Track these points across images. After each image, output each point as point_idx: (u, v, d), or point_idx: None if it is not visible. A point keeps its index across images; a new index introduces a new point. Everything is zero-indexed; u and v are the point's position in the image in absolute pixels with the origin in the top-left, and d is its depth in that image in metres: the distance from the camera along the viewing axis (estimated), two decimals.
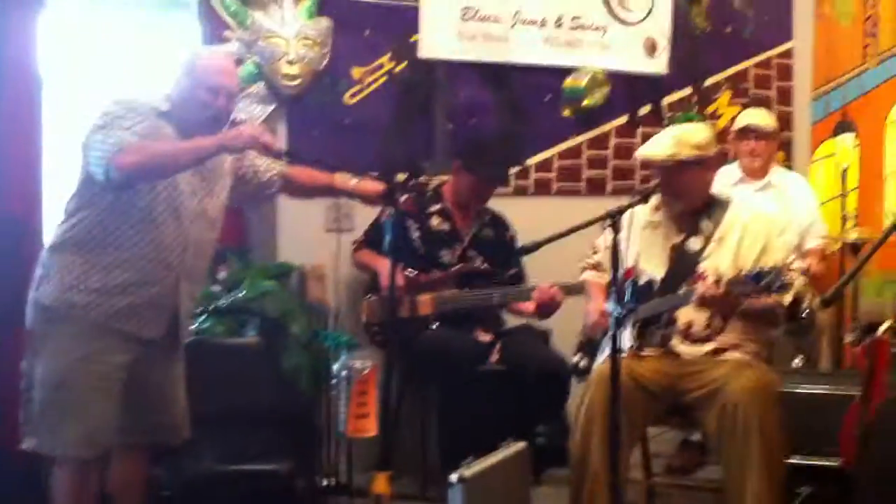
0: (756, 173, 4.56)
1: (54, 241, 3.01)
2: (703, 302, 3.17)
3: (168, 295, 3.03)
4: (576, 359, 3.67)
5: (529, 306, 4.11)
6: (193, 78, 3.02)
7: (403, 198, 4.02)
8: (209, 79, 3.02)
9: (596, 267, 3.67)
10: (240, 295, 3.89)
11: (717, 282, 3.14)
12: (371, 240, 4.12)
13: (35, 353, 2.99)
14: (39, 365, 2.96)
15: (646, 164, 3.42)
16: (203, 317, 3.76)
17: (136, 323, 2.98)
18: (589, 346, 3.64)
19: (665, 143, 3.35)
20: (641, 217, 3.41)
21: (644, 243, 3.43)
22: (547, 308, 4.07)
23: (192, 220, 3.04)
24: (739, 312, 3.25)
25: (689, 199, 3.38)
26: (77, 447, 2.93)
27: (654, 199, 3.44)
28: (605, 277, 3.57)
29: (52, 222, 3.10)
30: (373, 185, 3.28)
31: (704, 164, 3.38)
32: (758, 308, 3.23)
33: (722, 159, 4.22)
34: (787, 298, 3.32)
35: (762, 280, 2.95)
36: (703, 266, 3.33)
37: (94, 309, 2.93)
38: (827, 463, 3.53)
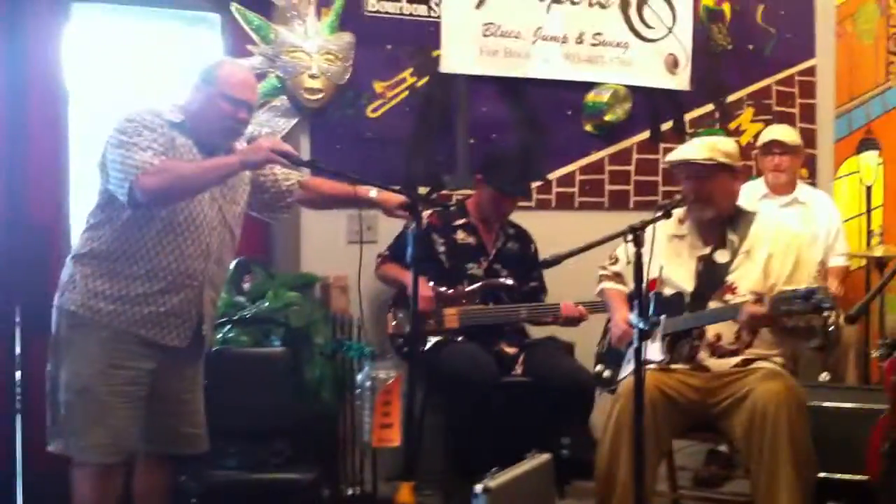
0: (781, 189, 4.56)
1: (77, 250, 3.03)
2: (750, 322, 3.15)
3: (192, 303, 3.04)
4: (598, 369, 3.66)
5: (559, 313, 4.11)
6: (215, 87, 3.02)
7: (428, 212, 4.06)
8: (232, 90, 3.03)
9: (614, 277, 3.66)
10: (264, 305, 3.89)
11: (760, 300, 3.12)
12: (395, 254, 4.12)
13: (59, 357, 3.00)
14: (63, 370, 2.98)
15: (679, 168, 3.39)
16: (227, 327, 3.76)
17: (159, 331, 3.00)
18: (609, 357, 3.63)
19: (699, 148, 3.37)
20: (665, 230, 3.40)
21: (669, 255, 3.42)
22: (572, 321, 4.06)
23: (212, 229, 3.05)
24: (781, 328, 3.21)
25: (719, 206, 3.37)
26: (100, 452, 2.94)
27: (679, 212, 3.44)
28: (626, 287, 3.57)
29: (80, 231, 3.11)
30: (395, 196, 3.29)
31: (734, 173, 3.39)
32: (801, 326, 3.19)
33: (747, 173, 4.22)
34: (832, 318, 3.29)
35: (812, 298, 2.93)
36: (732, 278, 3.32)
37: (118, 316, 2.95)
38: (853, 478, 3.50)
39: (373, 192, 3.30)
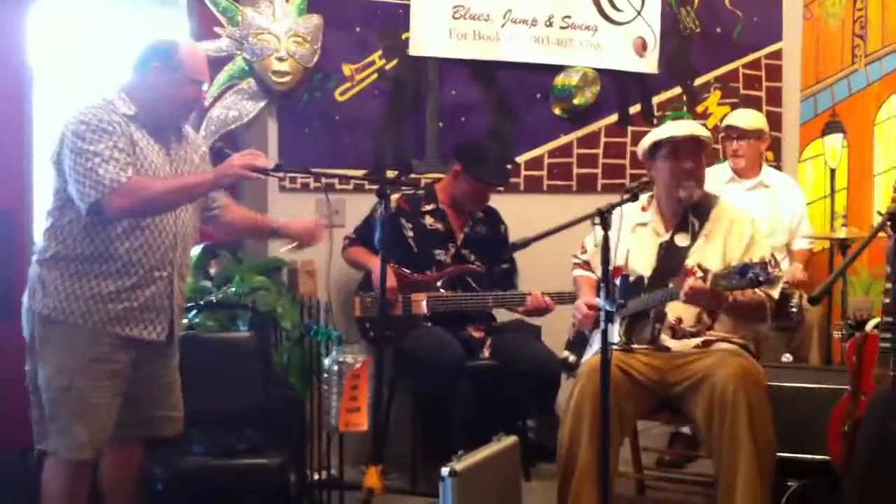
0: (744, 173, 4.59)
1: (42, 254, 2.97)
2: (691, 296, 3.18)
3: (164, 294, 3.02)
4: (565, 354, 3.68)
5: (525, 305, 4.12)
6: (181, 72, 2.97)
7: (397, 196, 4.07)
8: (196, 73, 3.01)
9: (584, 265, 3.69)
10: (231, 290, 3.89)
11: (704, 277, 3.16)
12: (363, 236, 4.12)
13: (37, 358, 2.96)
14: (43, 369, 2.94)
15: (679, 145, 3.39)
16: (194, 311, 3.75)
17: (135, 326, 2.98)
18: (577, 343, 3.66)
19: (695, 127, 3.43)
20: (630, 217, 3.41)
21: (633, 242, 3.44)
22: (538, 312, 4.08)
23: (177, 217, 3.03)
24: (728, 307, 3.27)
25: (701, 188, 3.43)
26: (82, 449, 2.92)
27: (642, 199, 3.46)
28: (595, 275, 3.60)
29: (43, 213, 3.07)
30: (295, 223, 3.28)
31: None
32: (746, 302, 3.25)
33: (712, 156, 4.27)
34: (776, 292, 3.34)
35: (748, 273, 2.97)
36: (690, 262, 3.35)
37: (93, 316, 2.92)
38: (815, 457, 3.55)
39: (280, 221, 3.31)
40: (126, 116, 2.93)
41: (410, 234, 4.17)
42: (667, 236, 3.44)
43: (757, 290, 3.18)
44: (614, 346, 3.28)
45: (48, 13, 4.10)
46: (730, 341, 3.35)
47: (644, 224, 3.48)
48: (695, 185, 3.40)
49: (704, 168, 3.45)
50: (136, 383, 3.03)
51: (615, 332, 3.32)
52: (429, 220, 4.21)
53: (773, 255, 3.12)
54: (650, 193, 3.48)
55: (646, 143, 3.47)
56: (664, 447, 4.45)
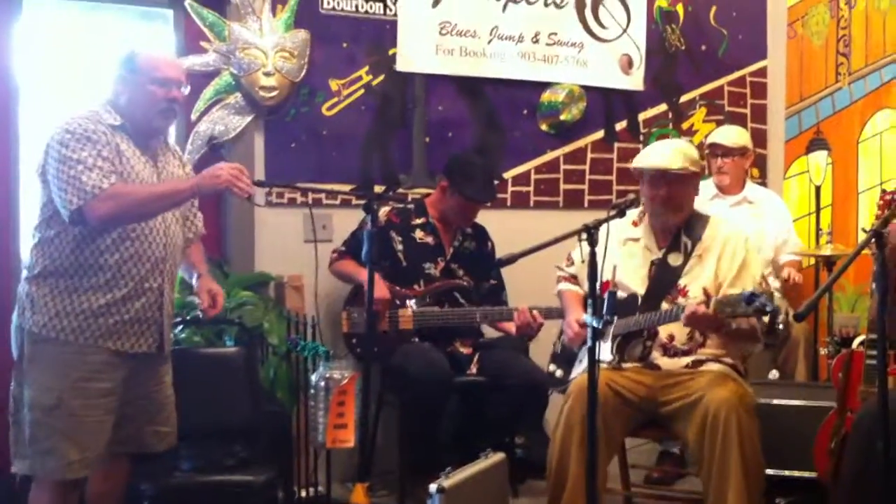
0: (728, 189, 4.61)
1: (31, 271, 2.95)
2: (692, 321, 3.18)
3: (154, 306, 3.01)
4: (551, 368, 3.69)
5: (510, 326, 4.10)
6: (141, 74, 2.98)
7: (387, 209, 4.07)
8: (157, 72, 3.00)
9: (570, 279, 3.69)
10: None
11: (706, 301, 3.16)
12: (351, 249, 4.11)
13: (23, 377, 2.94)
14: (29, 388, 2.91)
15: (650, 174, 3.38)
16: (181, 327, 3.72)
17: (127, 340, 2.96)
18: (562, 357, 3.66)
19: (672, 156, 3.35)
20: (619, 232, 3.42)
21: (623, 258, 3.44)
22: (527, 330, 4.05)
23: (167, 227, 3.02)
24: (725, 331, 3.27)
25: (686, 211, 3.42)
26: (68, 469, 2.89)
27: (633, 215, 3.48)
28: (581, 289, 3.60)
29: (30, 230, 3.05)
30: (204, 284, 3.21)
31: (697, 179, 3.43)
32: (744, 328, 3.26)
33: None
34: (767, 319, 3.36)
35: (754, 302, 2.98)
36: (683, 281, 3.36)
37: (84, 332, 2.90)
38: (802, 474, 3.56)
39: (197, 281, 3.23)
40: (111, 127, 2.94)
41: (400, 247, 4.16)
42: (659, 254, 3.44)
43: None
44: (604, 365, 3.29)
45: (33, 27, 4.09)
46: (720, 360, 3.35)
47: (636, 239, 3.49)
48: (667, 213, 3.39)
49: (689, 193, 3.41)
50: (129, 400, 3.01)
51: (607, 350, 3.33)
52: (419, 234, 4.21)
53: (763, 278, 3.13)
54: (641, 209, 3.48)
55: (633, 165, 3.49)
56: (652, 464, 4.45)
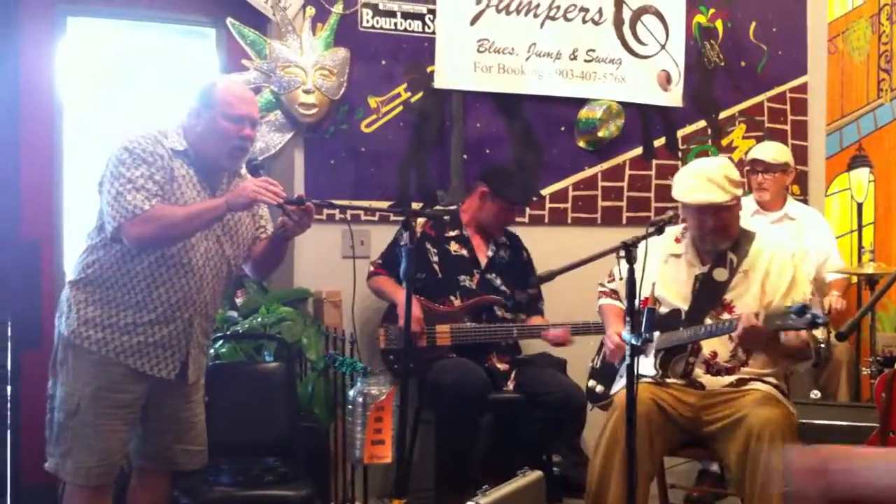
0: (768, 205, 4.58)
1: (74, 276, 3.01)
2: (748, 335, 3.13)
3: (181, 335, 3.02)
4: (590, 384, 3.66)
5: (545, 335, 4.11)
6: (215, 108, 2.96)
7: (422, 220, 4.08)
8: (231, 108, 2.97)
9: (612, 294, 3.67)
10: (256, 320, 3.90)
11: (757, 314, 3.12)
12: (388, 263, 4.13)
13: (56, 377, 3.00)
14: (59, 389, 2.98)
15: (702, 207, 3.31)
16: (220, 342, 3.75)
17: (146, 362, 2.98)
18: (603, 372, 3.63)
19: (720, 188, 3.25)
20: (661, 248, 3.39)
21: (665, 273, 3.42)
22: (560, 343, 4.07)
23: (207, 261, 3.02)
24: (774, 347, 3.22)
25: (734, 234, 3.38)
26: (86, 474, 2.93)
27: (675, 231, 3.45)
28: (622, 304, 3.57)
29: (72, 246, 3.11)
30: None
31: (740, 200, 3.40)
32: (794, 343, 3.21)
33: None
34: (821, 334, 3.30)
35: (806, 314, 2.93)
36: (729, 297, 3.33)
37: (107, 345, 2.93)
38: None
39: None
40: (174, 151, 2.95)
41: (436, 258, 4.17)
42: (704, 269, 3.40)
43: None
44: (647, 379, 3.27)
45: (77, 45, 4.16)
46: (763, 380, 3.31)
47: (678, 255, 3.45)
48: (717, 239, 3.34)
49: (735, 216, 3.35)
50: (155, 417, 3.04)
51: (650, 366, 3.30)
52: (454, 246, 4.22)
53: (813, 294, 3.09)
54: (684, 226, 3.45)
55: (677, 199, 3.38)
56: (691, 484, 4.41)
